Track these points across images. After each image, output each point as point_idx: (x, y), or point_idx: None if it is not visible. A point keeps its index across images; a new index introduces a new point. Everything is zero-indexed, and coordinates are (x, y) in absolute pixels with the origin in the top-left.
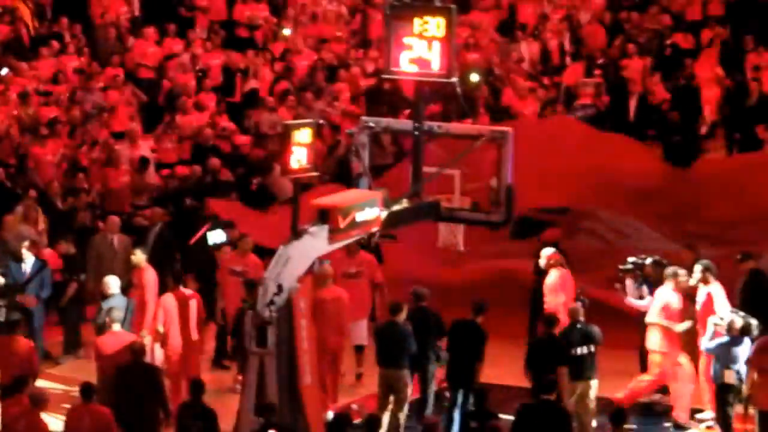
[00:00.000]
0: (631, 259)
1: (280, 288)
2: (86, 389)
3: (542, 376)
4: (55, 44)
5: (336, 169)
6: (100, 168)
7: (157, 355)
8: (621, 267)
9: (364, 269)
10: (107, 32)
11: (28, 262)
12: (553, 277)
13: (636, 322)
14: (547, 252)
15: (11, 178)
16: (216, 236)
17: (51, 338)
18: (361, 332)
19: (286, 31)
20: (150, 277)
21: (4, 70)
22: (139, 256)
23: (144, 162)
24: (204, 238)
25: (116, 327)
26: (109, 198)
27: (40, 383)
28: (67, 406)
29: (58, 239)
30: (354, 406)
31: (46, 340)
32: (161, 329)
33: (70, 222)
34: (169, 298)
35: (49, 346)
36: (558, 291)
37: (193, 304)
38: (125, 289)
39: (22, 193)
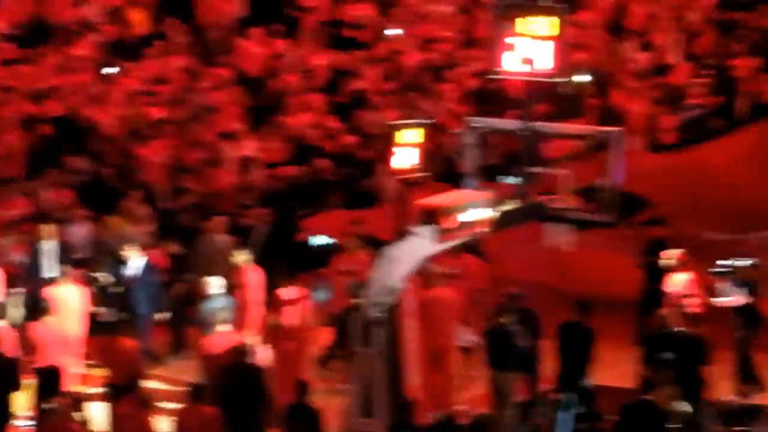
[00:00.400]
0: (723, 262)
1: (386, 289)
2: (196, 390)
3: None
4: (161, 44)
5: (442, 169)
6: (206, 168)
7: (262, 356)
8: (712, 270)
9: (465, 271)
10: (213, 32)
11: (135, 262)
12: (684, 277)
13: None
14: (672, 253)
15: (117, 179)
16: (319, 237)
17: (157, 338)
18: (465, 334)
19: (393, 32)
20: (252, 276)
21: (111, 70)
22: (240, 256)
23: (249, 162)
24: (309, 239)
25: (221, 327)
26: (215, 198)
27: (147, 383)
28: (173, 406)
29: (165, 240)
30: (461, 407)
31: (153, 340)
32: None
33: (175, 222)
34: (279, 298)
35: (156, 346)
36: (691, 291)
37: (299, 305)
38: (228, 289)
39: (127, 194)
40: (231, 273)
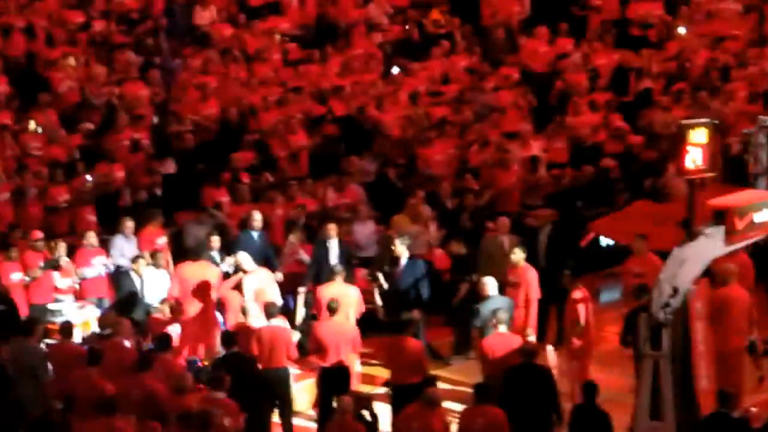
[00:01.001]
0: None
1: (675, 290)
2: (482, 390)
3: None
4: (446, 44)
5: (731, 169)
6: (491, 168)
7: (550, 356)
8: None
9: (741, 269)
10: (498, 32)
11: (408, 261)
12: None
13: None
14: None
15: (401, 178)
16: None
17: (440, 338)
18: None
19: (681, 30)
20: (531, 275)
21: (395, 69)
22: (518, 255)
23: (535, 161)
24: (596, 239)
25: (502, 328)
26: (500, 198)
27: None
28: (455, 406)
29: (449, 239)
30: (753, 410)
31: (437, 340)
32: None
33: (459, 222)
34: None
35: (439, 346)
36: None
37: (589, 306)
38: (501, 289)
39: (411, 193)
40: (510, 272)
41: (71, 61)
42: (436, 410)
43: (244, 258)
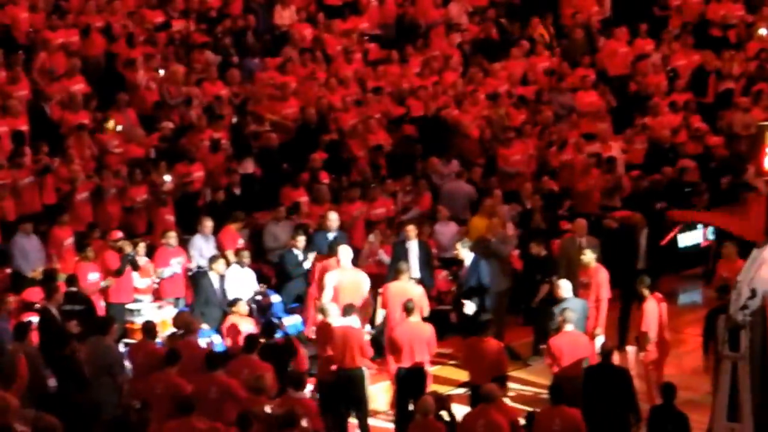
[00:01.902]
0: None
1: (753, 292)
2: (557, 390)
3: None
4: (526, 44)
5: None
6: (570, 169)
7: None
8: None
9: None
10: (577, 32)
11: (470, 262)
12: None
13: None
14: None
15: (481, 179)
16: (688, 239)
17: (519, 339)
18: None
19: (762, 31)
20: (602, 276)
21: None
22: (589, 256)
23: (613, 163)
24: (674, 241)
25: (569, 327)
26: (579, 199)
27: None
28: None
29: (528, 240)
30: None
31: (516, 341)
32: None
33: (538, 223)
34: (651, 303)
35: (519, 347)
36: None
37: (664, 307)
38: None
39: (490, 194)
40: (582, 273)
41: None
42: (497, 405)
43: (344, 254)
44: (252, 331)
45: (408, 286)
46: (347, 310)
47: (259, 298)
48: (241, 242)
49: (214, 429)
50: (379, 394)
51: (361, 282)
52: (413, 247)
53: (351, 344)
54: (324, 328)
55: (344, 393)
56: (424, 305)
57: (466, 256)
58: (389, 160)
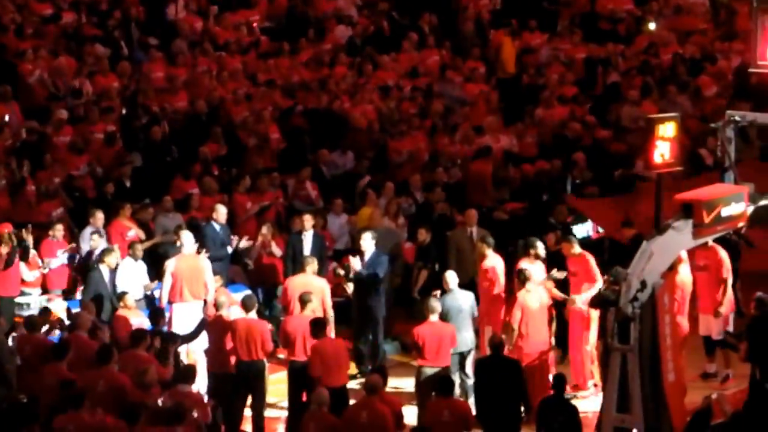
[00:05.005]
0: None
1: (643, 284)
2: (445, 382)
3: None
4: (415, 37)
5: (698, 163)
6: (460, 161)
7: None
8: None
9: (711, 263)
10: (467, 25)
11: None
12: None
13: None
14: None
15: (370, 171)
16: (579, 231)
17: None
18: (707, 325)
19: (650, 25)
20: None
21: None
22: (484, 246)
23: (490, 153)
24: None
25: (433, 318)
26: (468, 190)
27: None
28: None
29: (416, 229)
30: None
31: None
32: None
33: (428, 214)
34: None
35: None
36: None
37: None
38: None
39: (379, 186)
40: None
41: None
42: (381, 397)
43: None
44: (140, 324)
45: (310, 279)
46: (248, 303)
47: (149, 291)
48: (131, 234)
49: (103, 422)
50: (274, 385)
51: (201, 268)
52: (308, 238)
53: (254, 337)
54: (219, 322)
55: (243, 385)
56: (327, 301)
57: (368, 246)
58: (279, 152)
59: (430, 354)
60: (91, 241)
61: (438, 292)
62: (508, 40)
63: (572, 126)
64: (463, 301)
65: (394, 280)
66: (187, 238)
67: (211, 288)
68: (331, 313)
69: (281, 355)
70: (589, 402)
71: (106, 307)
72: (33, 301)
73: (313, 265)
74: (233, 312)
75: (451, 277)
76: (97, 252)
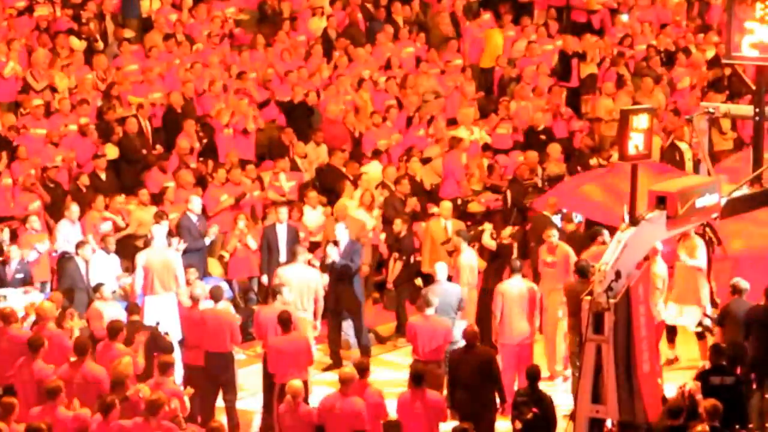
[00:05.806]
0: None
1: (618, 274)
2: (416, 374)
3: None
4: (391, 30)
5: (671, 154)
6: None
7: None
8: None
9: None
10: (442, 17)
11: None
12: None
13: None
14: None
15: (345, 164)
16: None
17: (383, 322)
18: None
19: (624, 17)
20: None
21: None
22: (456, 239)
23: (479, 147)
24: None
25: (429, 311)
26: (442, 183)
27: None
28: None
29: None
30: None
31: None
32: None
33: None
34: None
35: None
36: None
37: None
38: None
39: (353, 179)
40: (453, 257)
41: None
42: (359, 387)
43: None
44: (115, 317)
45: (303, 269)
46: (216, 294)
47: (123, 283)
48: (105, 227)
49: (79, 415)
50: (248, 377)
51: (171, 261)
52: (282, 230)
53: (222, 329)
54: (193, 314)
55: (213, 377)
56: (319, 291)
57: (341, 236)
58: (255, 145)
59: (421, 348)
60: (67, 233)
61: (419, 280)
62: (496, 32)
63: (547, 118)
64: (450, 293)
65: (363, 269)
66: (157, 231)
67: (181, 280)
68: (321, 303)
69: (259, 348)
70: (563, 393)
71: (82, 299)
72: (10, 294)
73: (304, 254)
74: (204, 304)
75: (441, 269)
76: (71, 244)
